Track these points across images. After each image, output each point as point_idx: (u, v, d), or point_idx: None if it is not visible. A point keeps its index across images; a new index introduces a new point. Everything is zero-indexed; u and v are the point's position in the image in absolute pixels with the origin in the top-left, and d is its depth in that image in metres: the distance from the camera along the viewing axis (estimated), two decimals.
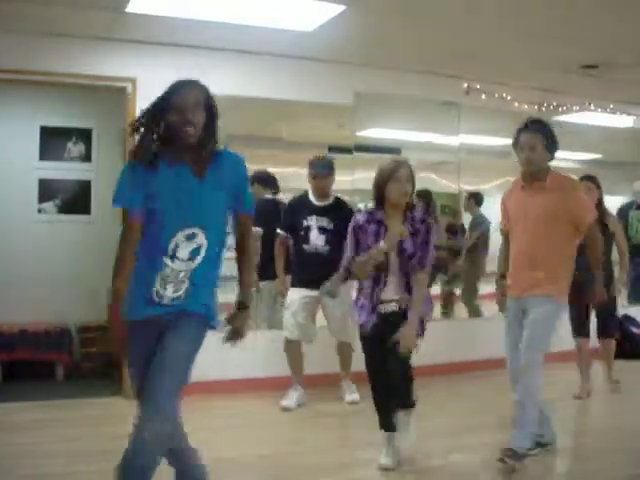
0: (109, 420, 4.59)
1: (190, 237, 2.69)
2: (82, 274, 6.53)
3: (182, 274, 2.71)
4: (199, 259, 2.74)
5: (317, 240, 5.31)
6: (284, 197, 5.97)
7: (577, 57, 6.19)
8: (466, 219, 7.54)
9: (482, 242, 7.34)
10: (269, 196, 6.01)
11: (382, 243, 3.76)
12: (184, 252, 2.69)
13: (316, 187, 5.40)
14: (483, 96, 6.95)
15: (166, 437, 2.56)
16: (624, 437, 4.70)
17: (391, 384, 3.82)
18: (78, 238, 6.71)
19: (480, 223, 7.37)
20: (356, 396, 5.40)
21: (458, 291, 7.51)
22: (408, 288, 3.83)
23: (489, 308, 6.25)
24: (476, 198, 7.43)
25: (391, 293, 3.87)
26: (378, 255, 3.77)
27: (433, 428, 4.55)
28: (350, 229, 4.01)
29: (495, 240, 5.14)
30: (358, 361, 4.10)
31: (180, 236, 2.67)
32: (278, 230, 5.53)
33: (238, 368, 5.80)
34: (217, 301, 2.88)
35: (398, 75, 6.58)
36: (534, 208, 4.03)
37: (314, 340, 5.46)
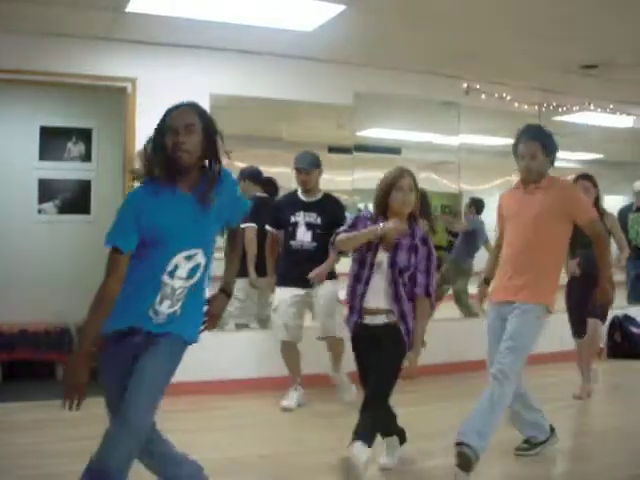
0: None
1: (190, 257, 2.71)
2: (82, 274, 6.50)
3: (179, 291, 2.71)
4: (198, 276, 2.76)
5: (304, 236, 5.26)
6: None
7: (577, 57, 6.19)
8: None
9: (472, 244, 7.41)
10: (260, 194, 6.00)
11: (382, 224, 3.71)
12: (183, 271, 2.70)
13: (299, 182, 5.36)
14: (483, 96, 6.96)
15: (132, 450, 2.54)
16: (624, 437, 4.70)
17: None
18: (78, 238, 6.70)
19: (475, 227, 7.43)
20: (351, 394, 5.30)
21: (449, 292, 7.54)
22: (397, 299, 3.72)
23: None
24: (477, 205, 7.48)
25: (379, 301, 3.76)
26: (372, 232, 3.69)
27: (433, 428, 4.55)
28: (351, 219, 4.01)
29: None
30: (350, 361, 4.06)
31: (180, 257, 2.68)
32: (267, 227, 5.50)
33: (238, 368, 5.81)
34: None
35: (398, 75, 6.59)
36: (529, 205, 4.02)
37: (301, 339, 5.42)
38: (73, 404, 2.52)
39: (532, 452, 4.24)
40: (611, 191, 7.77)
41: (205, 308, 2.95)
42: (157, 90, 5.42)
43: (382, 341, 3.69)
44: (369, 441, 3.45)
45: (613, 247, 5.62)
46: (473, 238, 7.45)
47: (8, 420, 4.88)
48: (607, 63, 6.30)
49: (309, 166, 5.30)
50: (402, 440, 4.05)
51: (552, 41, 5.60)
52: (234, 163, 6.30)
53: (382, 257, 3.74)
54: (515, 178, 4.33)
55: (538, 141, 4.03)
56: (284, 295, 5.33)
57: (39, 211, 6.86)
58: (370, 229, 3.70)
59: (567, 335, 5.72)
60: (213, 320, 3.00)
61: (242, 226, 2.99)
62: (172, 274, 2.68)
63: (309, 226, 5.26)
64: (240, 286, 5.68)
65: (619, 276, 6.45)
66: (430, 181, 7.18)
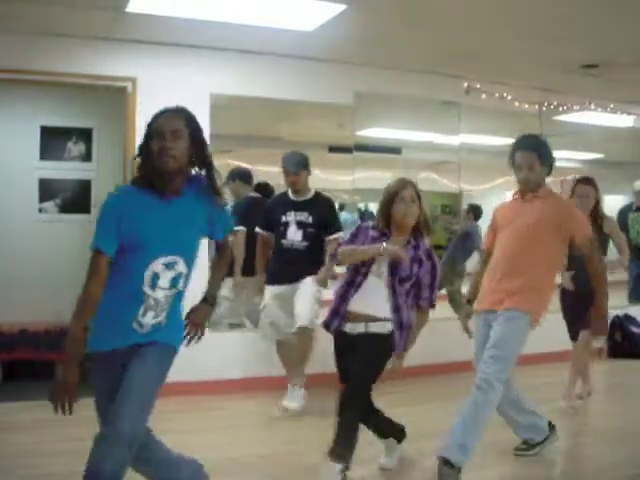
0: None
1: (170, 265, 2.66)
2: (82, 274, 6.49)
3: (162, 301, 2.68)
4: (180, 286, 2.73)
5: (294, 235, 5.23)
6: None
7: (577, 57, 6.19)
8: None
9: (467, 246, 7.45)
10: (252, 194, 6.00)
11: (384, 245, 3.71)
12: (165, 281, 2.66)
13: (288, 183, 5.34)
14: (483, 96, 6.96)
15: (122, 459, 2.52)
16: (624, 437, 4.69)
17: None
18: (78, 238, 6.67)
19: (471, 231, 7.47)
20: (295, 404, 5.18)
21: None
22: (396, 309, 3.70)
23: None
24: (475, 212, 7.53)
25: (367, 307, 3.74)
26: (374, 251, 3.69)
27: (432, 428, 4.55)
28: (352, 229, 4.00)
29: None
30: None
31: (158, 265, 2.63)
32: (258, 229, 5.47)
33: (233, 368, 5.82)
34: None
35: (398, 75, 6.58)
36: (525, 214, 3.97)
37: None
38: (65, 407, 2.49)
39: (531, 452, 4.24)
40: (611, 191, 7.77)
41: (187, 319, 2.91)
42: (157, 90, 5.42)
43: (360, 346, 3.68)
44: (344, 459, 3.51)
45: (613, 250, 5.61)
46: (469, 241, 7.47)
47: (8, 420, 4.89)
48: (607, 63, 6.29)
49: (297, 167, 5.26)
50: (400, 439, 4.06)
51: (552, 41, 5.60)
52: (234, 163, 6.33)
53: (383, 264, 3.73)
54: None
55: (535, 151, 3.99)
56: (273, 294, 5.32)
57: (39, 210, 6.86)
58: (372, 248, 3.70)
59: (566, 335, 5.71)
60: (195, 329, 2.93)
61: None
62: (154, 285, 2.64)
63: (300, 225, 5.23)
64: (229, 285, 5.71)
65: (619, 275, 6.42)
66: (430, 181, 7.20)
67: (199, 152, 2.71)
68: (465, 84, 6.90)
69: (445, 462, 3.64)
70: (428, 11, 4.98)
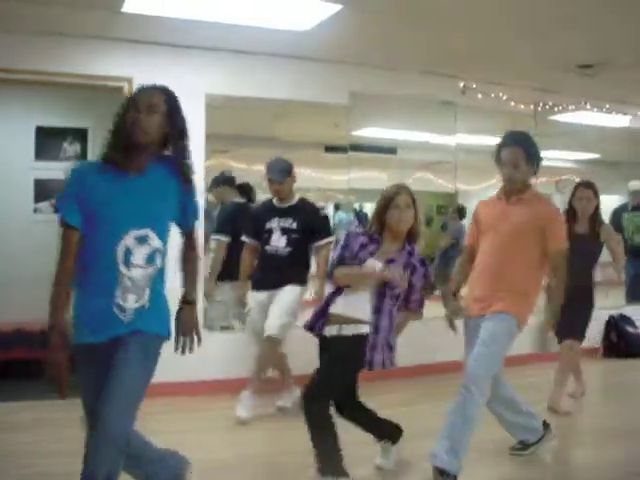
0: None
1: (142, 240, 2.61)
2: None
3: (142, 281, 2.63)
4: (158, 264, 2.68)
5: (278, 242, 5.13)
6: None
7: (573, 56, 6.19)
8: None
9: (456, 247, 7.51)
10: (239, 200, 5.99)
11: (381, 267, 3.64)
12: (139, 257, 2.61)
13: (272, 191, 5.26)
14: (479, 96, 6.96)
15: (116, 461, 2.51)
16: (619, 437, 4.71)
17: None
18: None
19: (458, 236, 7.52)
20: (244, 413, 5.00)
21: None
22: (377, 311, 3.66)
23: None
24: (460, 213, 7.68)
25: (347, 309, 3.71)
26: (371, 276, 3.65)
27: (429, 428, 4.55)
28: (344, 239, 3.90)
29: None
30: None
31: (129, 239, 2.59)
32: (244, 237, 5.38)
33: (221, 369, 5.81)
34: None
35: (394, 74, 6.58)
36: (509, 217, 3.91)
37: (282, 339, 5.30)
38: (54, 381, 2.53)
39: (526, 452, 4.25)
40: (607, 191, 7.79)
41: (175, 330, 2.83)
42: None
43: (331, 349, 3.68)
44: (335, 472, 3.52)
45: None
46: (457, 244, 7.50)
47: (4, 420, 4.89)
48: (603, 62, 6.29)
49: (282, 176, 5.15)
50: (396, 438, 4.05)
51: (548, 41, 5.60)
52: (229, 163, 6.33)
53: (374, 265, 3.69)
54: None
55: (521, 147, 3.90)
56: (255, 300, 5.27)
57: (35, 210, 6.86)
58: (369, 273, 3.65)
59: None
60: (188, 334, 2.85)
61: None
62: (128, 262, 2.58)
63: (284, 231, 5.14)
64: (218, 290, 5.73)
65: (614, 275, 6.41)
66: (426, 181, 7.20)
67: (174, 133, 2.68)
68: (461, 84, 6.90)
69: (441, 472, 3.63)
70: (423, 11, 4.98)
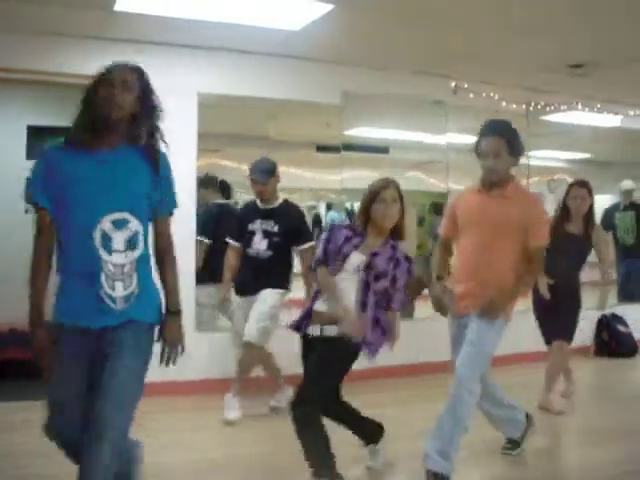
0: None
1: (119, 224, 2.50)
2: None
3: (127, 267, 2.51)
4: (141, 247, 2.56)
5: (259, 244, 5.05)
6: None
7: (564, 56, 6.21)
8: None
9: None
10: (221, 201, 5.98)
11: (364, 260, 3.59)
12: (119, 242, 2.49)
13: (255, 192, 5.16)
14: (471, 95, 6.96)
15: (111, 469, 2.41)
16: (611, 436, 4.72)
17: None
18: None
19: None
20: (233, 414, 4.96)
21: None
22: (362, 307, 3.59)
23: None
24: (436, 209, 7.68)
25: (332, 305, 3.64)
26: (344, 313, 3.57)
27: (422, 428, 4.55)
28: (326, 233, 3.83)
29: None
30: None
31: (105, 223, 2.47)
32: (228, 239, 5.30)
33: (212, 368, 5.82)
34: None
35: (385, 74, 6.59)
36: (491, 215, 3.81)
37: (267, 342, 5.19)
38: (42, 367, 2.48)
39: (517, 451, 4.24)
40: (599, 190, 7.81)
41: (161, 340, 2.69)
42: None
43: (314, 350, 3.63)
44: (328, 475, 3.47)
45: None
46: None
47: (2, 420, 4.87)
48: (594, 62, 6.32)
49: (265, 177, 5.06)
50: (377, 438, 4.02)
51: (540, 41, 5.61)
52: (221, 162, 6.32)
53: (358, 259, 3.63)
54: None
55: (503, 137, 3.77)
56: (237, 304, 5.24)
57: (26, 211, 6.82)
58: (342, 312, 3.56)
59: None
60: (172, 348, 2.69)
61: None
62: (108, 248, 2.47)
63: (266, 234, 5.06)
64: (203, 292, 5.73)
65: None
66: (418, 180, 7.20)
67: (146, 113, 2.62)
68: (452, 84, 6.91)
69: (434, 475, 3.61)
70: (415, 11, 4.99)
